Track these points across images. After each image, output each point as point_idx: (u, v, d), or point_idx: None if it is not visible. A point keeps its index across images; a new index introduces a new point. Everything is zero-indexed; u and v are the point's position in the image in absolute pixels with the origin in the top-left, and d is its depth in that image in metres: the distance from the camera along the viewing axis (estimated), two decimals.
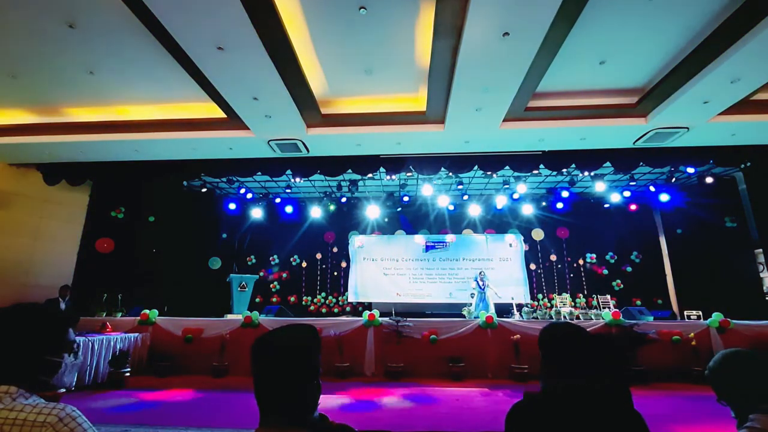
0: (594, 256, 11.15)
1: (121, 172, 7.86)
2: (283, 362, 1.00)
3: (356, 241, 11.52)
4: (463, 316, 7.70)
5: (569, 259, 11.24)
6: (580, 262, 11.18)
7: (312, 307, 11.30)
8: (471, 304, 8.70)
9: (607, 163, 7.26)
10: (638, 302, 9.95)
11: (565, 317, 7.22)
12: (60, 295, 7.02)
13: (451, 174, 8.49)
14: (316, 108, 5.73)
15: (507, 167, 7.47)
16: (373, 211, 10.68)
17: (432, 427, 3.97)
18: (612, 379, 1.35)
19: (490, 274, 10.76)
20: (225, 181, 9.37)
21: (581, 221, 11.14)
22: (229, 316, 7.65)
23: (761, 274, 8.88)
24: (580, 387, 1.25)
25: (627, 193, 9.86)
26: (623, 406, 1.23)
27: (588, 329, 6.55)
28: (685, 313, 7.21)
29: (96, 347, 5.59)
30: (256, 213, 10.78)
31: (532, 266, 11.25)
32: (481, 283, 8.79)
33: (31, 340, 1.09)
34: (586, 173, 8.64)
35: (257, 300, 11.02)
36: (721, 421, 4.22)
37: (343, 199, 10.84)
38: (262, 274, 11.41)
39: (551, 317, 7.32)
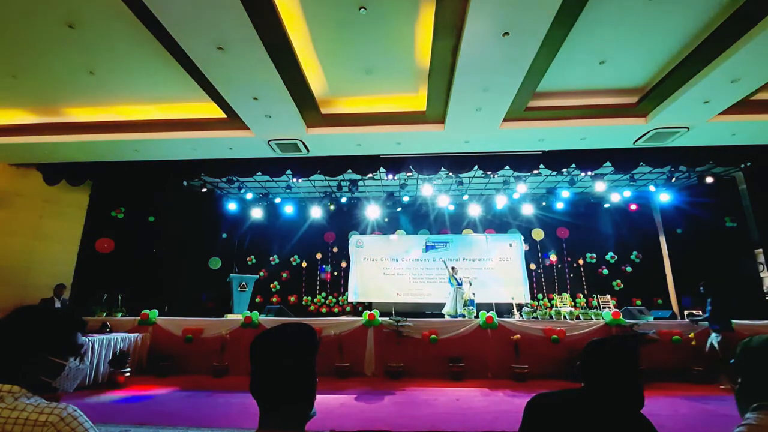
0: (594, 255, 11.16)
1: (121, 172, 7.87)
2: (280, 360, 1.01)
3: (356, 240, 11.53)
4: (463, 316, 7.70)
5: (569, 259, 11.24)
6: (580, 262, 11.19)
7: (312, 307, 11.30)
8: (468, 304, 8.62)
9: (607, 163, 7.26)
10: (638, 302, 9.95)
11: (565, 317, 7.22)
12: (55, 294, 6.99)
13: (451, 174, 8.49)
14: (316, 108, 5.73)
15: (507, 167, 7.47)
16: (373, 211, 10.68)
17: (432, 427, 3.97)
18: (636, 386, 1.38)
19: (490, 274, 10.80)
20: (225, 181, 9.37)
21: (581, 221, 11.15)
22: (229, 316, 7.65)
23: (761, 274, 8.88)
24: (602, 389, 1.28)
25: (627, 193, 9.87)
26: (636, 412, 1.25)
27: (587, 329, 6.59)
28: (685, 312, 7.20)
29: (96, 347, 5.60)
30: (256, 213, 10.78)
31: (532, 266, 11.26)
32: (455, 279, 8.57)
33: (35, 339, 1.09)
34: (586, 173, 8.64)
35: (257, 300, 11.03)
36: (720, 421, 4.23)
37: (343, 199, 10.84)
38: (262, 273, 11.41)
39: (551, 317, 7.33)
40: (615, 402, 1.28)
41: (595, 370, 1.42)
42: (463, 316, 7.70)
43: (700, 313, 7.22)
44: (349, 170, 7.76)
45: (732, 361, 1.34)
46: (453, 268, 8.88)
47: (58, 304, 6.87)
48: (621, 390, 1.34)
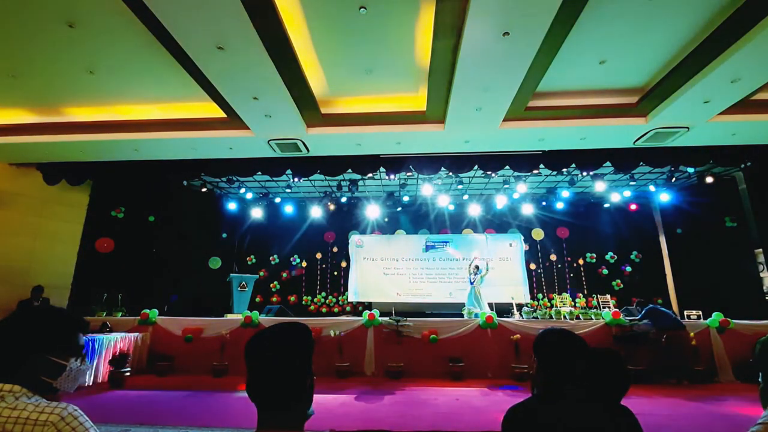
0: (594, 255, 11.16)
1: (121, 172, 7.87)
2: (275, 360, 1.01)
3: (356, 240, 11.53)
4: (463, 316, 7.69)
5: (569, 258, 11.24)
6: (580, 261, 11.19)
7: (312, 307, 11.30)
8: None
9: (607, 163, 7.26)
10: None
11: (565, 317, 7.21)
12: (32, 296, 6.95)
13: (451, 174, 8.48)
14: (316, 108, 5.73)
15: (507, 167, 7.47)
16: (373, 211, 10.68)
17: (432, 427, 3.97)
18: (606, 387, 1.37)
19: (490, 274, 10.71)
20: (225, 181, 9.37)
21: (581, 221, 11.14)
22: (229, 316, 7.65)
23: (761, 274, 8.88)
24: (573, 392, 1.28)
25: (627, 193, 9.87)
26: (615, 411, 1.25)
27: (587, 329, 6.59)
28: (685, 313, 7.21)
29: (96, 347, 5.60)
30: (256, 213, 10.79)
31: (532, 266, 11.25)
32: (472, 276, 8.58)
33: (36, 340, 1.09)
34: (586, 173, 8.64)
35: (257, 300, 11.03)
36: (720, 421, 4.23)
37: (343, 199, 10.84)
38: (262, 273, 11.41)
39: (551, 317, 7.32)
40: (579, 398, 1.27)
41: (546, 365, 1.40)
42: (462, 315, 7.70)
43: (700, 314, 7.26)
44: (349, 170, 7.76)
45: (752, 360, 1.32)
46: (472, 263, 8.79)
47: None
48: (578, 383, 1.31)
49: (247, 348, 1.04)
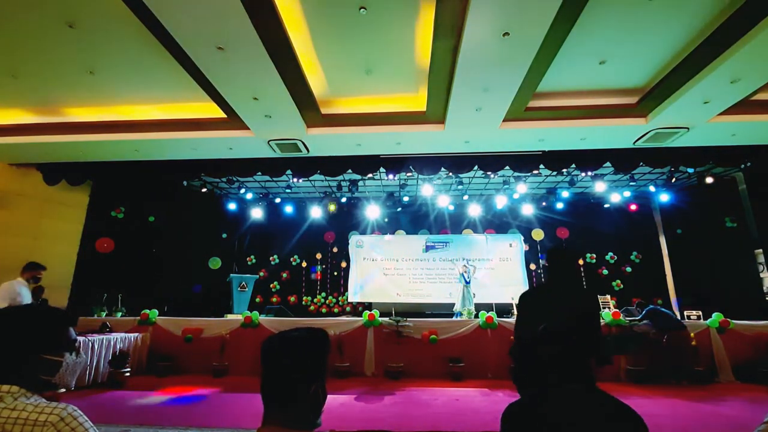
0: (594, 255, 11.16)
1: (121, 172, 7.87)
2: (283, 361, 1.01)
3: (356, 240, 11.54)
4: (460, 315, 7.70)
5: None
6: (580, 262, 11.19)
7: (312, 307, 11.30)
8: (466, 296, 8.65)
9: (607, 163, 7.26)
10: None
11: None
12: (33, 296, 6.93)
13: (451, 174, 8.49)
14: (316, 108, 5.73)
15: (507, 167, 7.47)
16: (373, 211, 10.68)
17: (432, 427, 3.97)
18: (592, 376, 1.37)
19: (490, 274, 10.77)
20: (225, 181, 9.37)
21: (581, 221, 11.15)
22: (229, 316, 7.65)
23: (761, 274, 8.88)
24: (571, 387, 1.28)
25: (627, 193, 9.88)
26: (616, 403, 1.24)
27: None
28: (685, 313, 7.20)
29: (96, 347, 5.59)
30: (256, 213, 10.79)
31: (532, 266, 11.25)
32: (465, 275, 8.77)
33: (29, 339, 1.09)
34: (586, 173, 8.64)
35: (257, 300, 11.03)
36: (720, 421, 4.23)
37: (343, 199, 10.84)
38: (262, 273, 11.42)
39: None
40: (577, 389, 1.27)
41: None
42: (461, 315, 7.71)
43: (700, 314, 7.27)
44: (349, 170, 7.76)
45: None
46: (465, 263, 9.07)
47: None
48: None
49: (262, 347, 1.07)
